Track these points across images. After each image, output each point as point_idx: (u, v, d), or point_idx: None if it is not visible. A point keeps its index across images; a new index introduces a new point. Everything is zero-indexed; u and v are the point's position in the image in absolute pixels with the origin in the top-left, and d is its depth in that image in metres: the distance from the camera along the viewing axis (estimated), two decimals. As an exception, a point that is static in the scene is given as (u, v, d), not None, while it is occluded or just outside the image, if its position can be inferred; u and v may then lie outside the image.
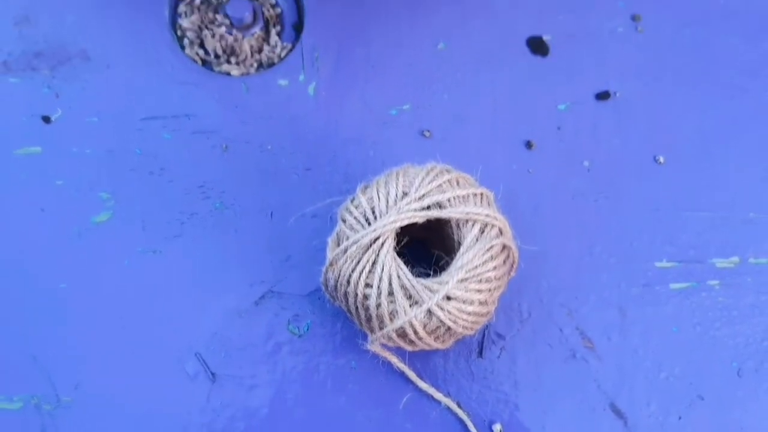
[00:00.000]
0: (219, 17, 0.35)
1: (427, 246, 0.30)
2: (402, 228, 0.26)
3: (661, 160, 0.33)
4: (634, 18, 0.36)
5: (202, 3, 0.36)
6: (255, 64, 0.35)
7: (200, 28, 0.35)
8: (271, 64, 0.35)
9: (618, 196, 0.33)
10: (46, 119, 0.33)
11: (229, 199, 0.32)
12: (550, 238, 0.32)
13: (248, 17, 0.35)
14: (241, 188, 0.32)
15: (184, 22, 0.35)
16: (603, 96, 0.34)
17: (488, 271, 0.26)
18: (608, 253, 0.32)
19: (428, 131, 0.34)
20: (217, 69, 0.35)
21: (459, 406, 0.29)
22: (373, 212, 0.26)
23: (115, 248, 0.31)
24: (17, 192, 0.32)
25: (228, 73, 0.35)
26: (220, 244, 0.31)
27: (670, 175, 0.33)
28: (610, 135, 0.34)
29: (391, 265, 0.25)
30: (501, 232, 0.27)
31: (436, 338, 0.27)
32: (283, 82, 0.34)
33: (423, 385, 0.29)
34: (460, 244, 0.26)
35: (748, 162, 0.34)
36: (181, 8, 0.36)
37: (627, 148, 0.34)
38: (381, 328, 0.26)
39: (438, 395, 0.29)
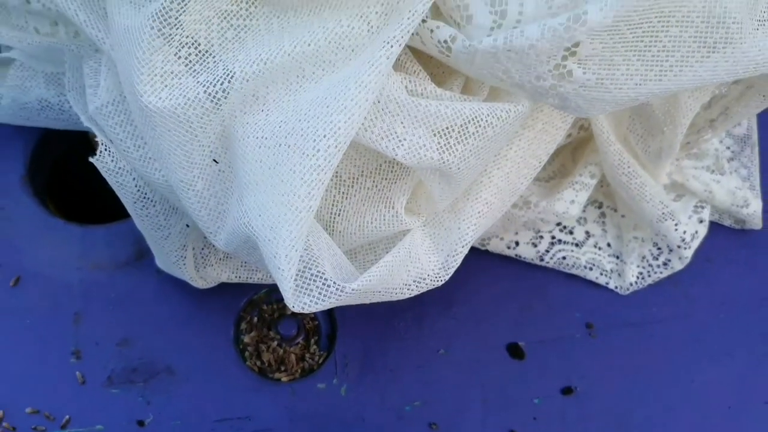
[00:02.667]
0: (272, 332, 0.46)
1: None
2: None
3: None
4: (588, 326, 0.47)
5: (258, 320, 0.47)
6: (299, 371, 0.46)
7: (257, 343, 0.46)
8: (311, 370, 0.46)
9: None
10: (141, 423, 0.43)
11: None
12: None
13: (294, 332, 0.46)
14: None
15: (245, 338, 0.46)
16: (567, 391, 0.45)
17: None
18: None
19: (435, 424, 0.44)
20: (270, 376, 0.45)
21: None
22: None
23: None
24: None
25: (279, 380, 0.45)
26: None
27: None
28: (575, 424, 0.44)
29: None
30: None
31: None
32: (321, 385, 0.45)
33: None
34: None
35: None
36: (243, 326, 0.47)
37: (589, 434, 0.43)
38: None
39: None
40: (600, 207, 0.45)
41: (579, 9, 0.31)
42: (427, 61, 0.36)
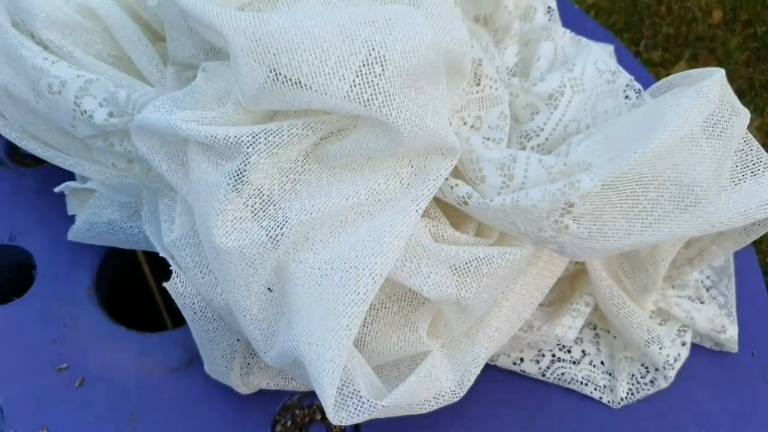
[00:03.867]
0: (300, 434, 0.52)
1: None
2: None
3: None
4: (584, 435, 0.52)
5: (291, 424, 0.52)
6: (325, 470, 0.51)
7: (288, 443, 0.51)
8: (335, 469, 0.51)
9: None
10: None
11: None
12: None
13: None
14: None
15: (277, 438, 0.52)
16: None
17: None
18: None
19: None
20: (299, 474, 0.50)
21: None
22: None
23: None
24: None
25: (307, 477, 0.50)
26: None
27: None
28: None
29: None
30: None
31: None
32: (344, 484, 0.50)
33: None
34: None
35: None
36: (278, 428, 0.52)
37: None
38: None
39: None
40: (594, 329, 0.52)
41: (573, 177, 0.38)
42: (445, 205, 0.43)
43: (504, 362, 0.50)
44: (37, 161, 0.54)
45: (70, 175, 0.51)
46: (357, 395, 0.38)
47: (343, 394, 0.38)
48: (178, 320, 0.48)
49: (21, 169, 0.57)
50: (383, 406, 0.38)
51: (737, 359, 0.52)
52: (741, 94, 1.37)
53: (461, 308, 0.40)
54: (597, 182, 0.37)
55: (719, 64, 1.41)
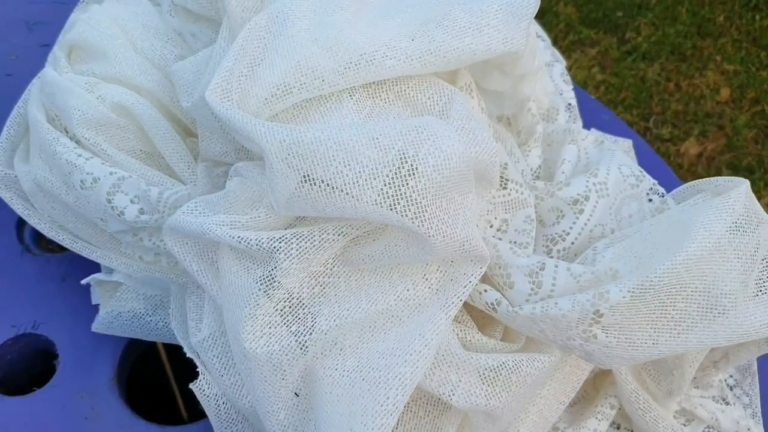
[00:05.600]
0: None
1: None
2: None
3: None
4: None
5: None
6: None
7: None
8: None
9: None
10: None
11: None
12: None
13: None
14: None
15: None
16: None
17: None
18: None
19: None
20: None
21: None
22: None
23: None
24: None
25: None
26: None
27: None
28: None
29: None
30: None
31: None
32: None
33: None
34: None
35: None
36: None
37: None
38: None
39: None
40: (618, 428, 0.51)
41: (602, 287, 0.38)
42: (471, 308, 0.43)
43: (529, 464, 0.49)
44: (62, 247, 0.54)
45: (95, 263, 0.52)
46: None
47: None
48: (194, 410, 0.47)
49: (46, 255, 0.57)
50: None
51: (764, 462, 0.51)
52: (750, 171, 1.39)
53: (489, 416, 0.40)
54: (626, 293, 0.38)
55: (728, 141, 1.43)
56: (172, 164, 0.47)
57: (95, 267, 0.52)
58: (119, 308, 0.51)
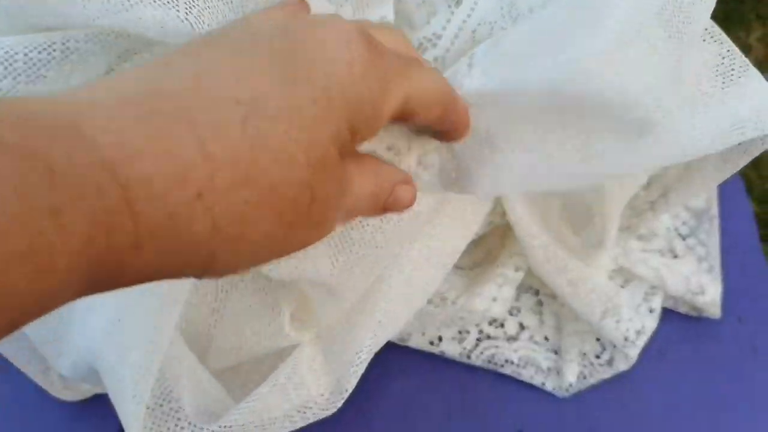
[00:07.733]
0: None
1: None
2: None
3: None
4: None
5: None
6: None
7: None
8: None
9: None
10: None
11: None
12: None
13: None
14: None
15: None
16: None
17: None
18: None
19: None
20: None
21: None
22: None
23: None
24: None
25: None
26: None
27: None
28: None
29: None
30: None
31: None
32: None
33: None
34: None
35: None
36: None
37: None
38: None
39: None
40: (537, 294, 0.41)
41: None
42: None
43: (418, 342, 0.39)
44: None
45: None
46: (175, 417, 0.27)
47: (155, 416, 0.27)
48: None
49: None
50: (212, 431, 0.27)
51: (719, 327, 0.41)
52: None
53: (330, 289, 0.30)
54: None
55: None
56: None
57: None
58: None
